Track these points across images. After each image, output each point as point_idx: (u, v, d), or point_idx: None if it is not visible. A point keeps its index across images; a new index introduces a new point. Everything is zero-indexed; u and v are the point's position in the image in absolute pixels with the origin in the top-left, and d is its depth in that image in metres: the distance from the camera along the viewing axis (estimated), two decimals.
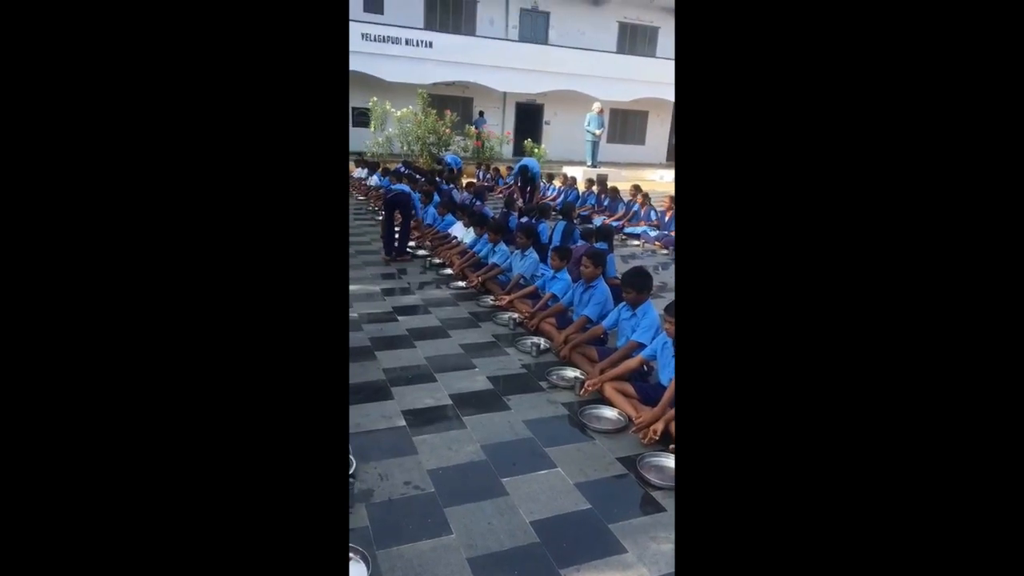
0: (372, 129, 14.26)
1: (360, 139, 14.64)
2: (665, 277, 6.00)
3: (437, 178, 9.56)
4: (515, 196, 9.07)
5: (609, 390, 3.07)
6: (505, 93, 17.50)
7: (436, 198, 7.27)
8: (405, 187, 6.10)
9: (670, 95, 18.44)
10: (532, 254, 4.77)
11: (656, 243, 7.48)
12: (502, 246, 5.10)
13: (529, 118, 18.37)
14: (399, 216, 6.01)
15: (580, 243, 5.46)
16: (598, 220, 8.63)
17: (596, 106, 13.73)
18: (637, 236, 7.81)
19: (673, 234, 7.41)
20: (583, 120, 13.99)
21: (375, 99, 14.02)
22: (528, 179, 9.66)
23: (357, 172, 11.61)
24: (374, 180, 10.31)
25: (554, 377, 3.39)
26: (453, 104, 16.23)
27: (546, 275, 4.41)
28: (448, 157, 12.56)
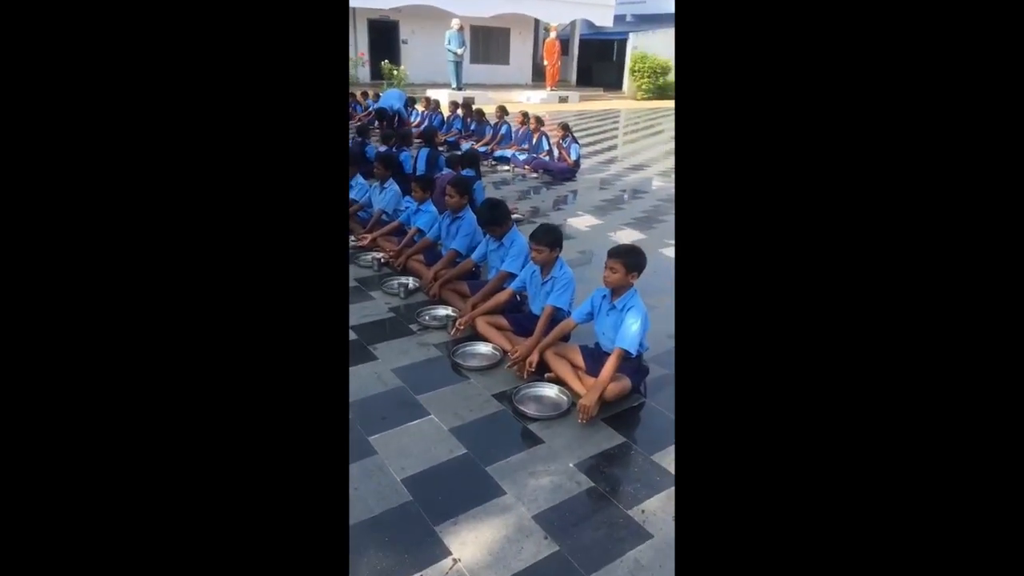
0: None
1: None
2: (537, 201, 5.92)
3: None
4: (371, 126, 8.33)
5: (482, 325, 2.94)
6: (354, 9, 15.85)
7: None
8: None
9: (531, 10, 17.89)
10: (392, 186, 4.40)
11: (526, 166, 7.35)
12: (359, 179, 4.66)
13: (384, 37, 16.93)
14: None
15: (446, 171, 5.17)
16: (465, 146, 8.32)
17: (455, 23, 12.98)
18: (507, 160, 7.62)
19: (544, 156, 7.31)
20: (443, 39, 13.22)
21: None
22: (388, 118, 9.04)
23: None
24: None
25: (425, 318, 3.19)
26: None
27: (410, 208, 4.10)
28: None
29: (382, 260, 3.94)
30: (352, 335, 2.99)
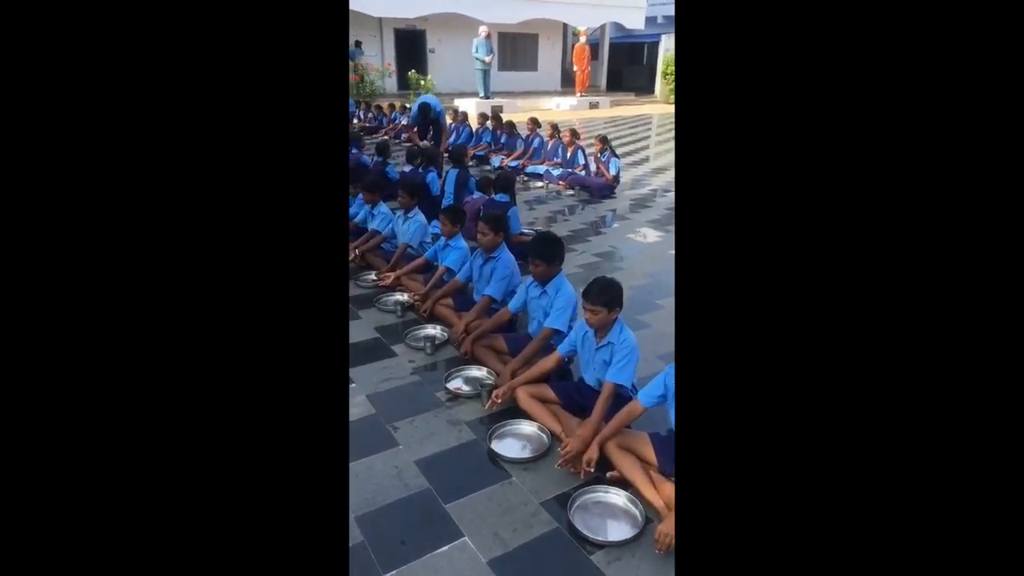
0: None
1: None
2: (577, 224, 5.39)
3: None
4: (415, 142, 7.46)
5: (524, 398, 2.42)
6: (381, 19, 15.62)
7: None
8: None
9: (559, 15, 17.40)
10: (418, 216, 3.91)
11: (561, 183, 6.82)
12: (381, 207, 4.19)
13: (411, 46, 16.65)
14: None
15: (476, 195, 4.67)
16: (496, 160, 7.83)
17: (483, 30, 12.62)
18: (540, 176, 7.10)
19: (580, 171, 6.78)
20: (470, 47, 12.84)
21: None
22: (431, 120, 7.52)
23: None
24: None
25: (455, 382, 2.69)
26: None
27: (438, 242, 3.61)
28: None
29: (406, 304, 3.46)
30: (369, 407, 2.51)
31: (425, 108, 7.33)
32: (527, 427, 2.35)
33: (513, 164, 7.53)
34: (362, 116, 11.62)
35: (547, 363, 2.45)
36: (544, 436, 2.29)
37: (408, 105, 11.44)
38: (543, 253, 2.59)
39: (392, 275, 3.69)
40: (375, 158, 6.03)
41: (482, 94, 13.42)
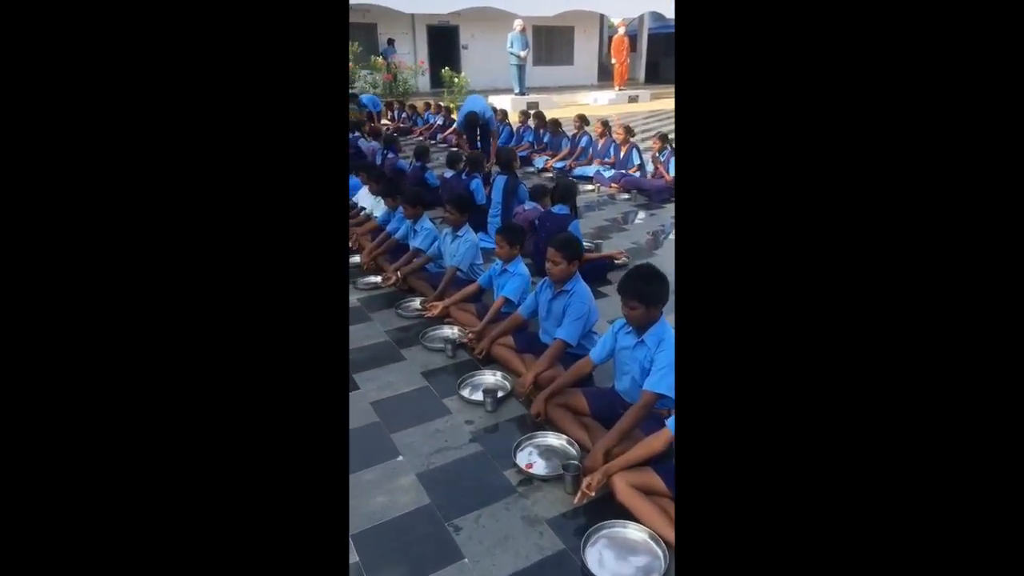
0: None
1: None
2: (638, 234, 4.77)
3: None
4: (464, 150, 6.43)
5: (623, 488, 1.83)
6: (413, 15, 15.17)
7: None
8: None
9: (596, 5, 16.67)
10: (468, 235, 3.35)
11: (613, 185, 6.20)
12: (425, 222, 3.66)
13: (444, 43, 16.17)
14: None
15: (528, 206, 4.09)
16: (539, 161, 7.25)
17: (517, 24, 12.08)
18: (589, 178, 6.48)
19: (634, 171, 6.15)
20: (505, 42, 12.30)
21: None
22: (479, 125, 6.66)
23: None
24: None
25: (527, 455, 2.12)
26: (354, 33, 13.85)
27: (493, 265, 3.06)
28: (364, 97, 10.50)
29: (457, 341, 2.92)
30: (420, 491, 1.97)
31: (472, 117, 6.51)
32: (633, 531, 1.77)
33: (559, 165, 6.94)
34: (395, 116, 11.16)
35: (656, 443, 1.86)
36: (656, 545, 1.71)
37: (443, 104, 10.96)
38: (643, 293, 2.00)
39: (439, 305, 3.16)
40: (413, 163, 5.53)
41: (517, 90, 12.90)
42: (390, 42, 14.56)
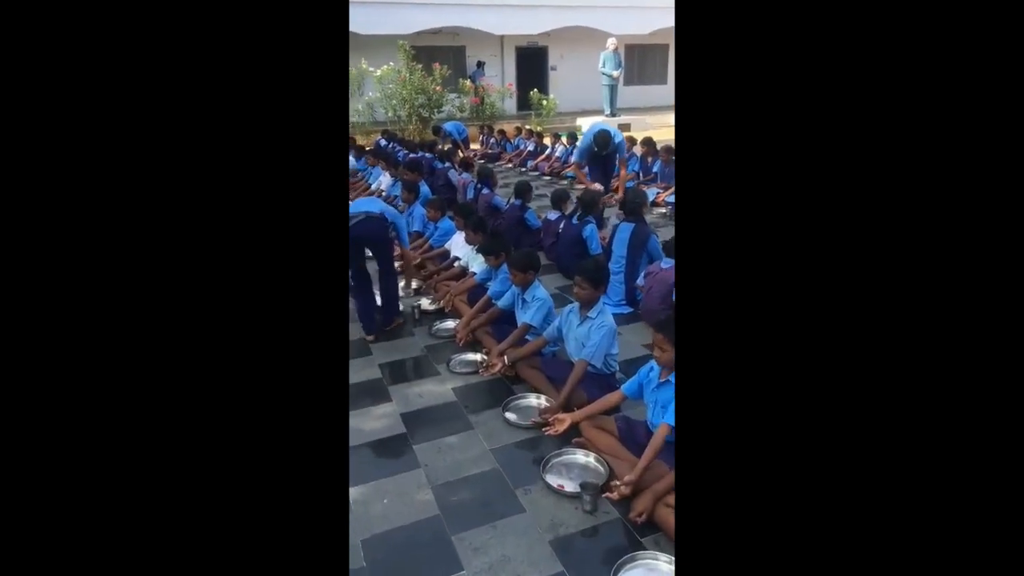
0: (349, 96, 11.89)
1: None
2: None
3: (426, 155, 7.32)
4: (590, 186, 5.39)
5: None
6: (503, 37, 14.90)
7: (424, 190, 5.11)
8: (374, 205, 3.21)
9: None
10: (603, 316, 2.52)
11: None
12: (538, 290, 2.88)
13: (532, 64, 15.78)
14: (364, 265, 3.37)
15: (666, 264, 3.29)
16: (649, 194, 6.45)
17: (611, 43, 11.40)
18: None
19: None
20: (595, 61, 11.69)
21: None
22: (606, 156, 5.65)
23: None
24: (349, 163, 8.11)
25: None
26: (442, 56, 13.73)
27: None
28: (448, 125, 10.12)
29: (541, 409, 2.42)
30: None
31: (604, 136, 5.41)
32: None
33: (671, 200, 6.13)
34: (483, 141, 10.74)
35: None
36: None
37: (534, 128, 10.43)
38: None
39: (498, 363, 2.74)
40: (511, 200, 4.92)
41: (608, 111, 12.21)
42: (480, 65, 14.33)
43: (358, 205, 3.24)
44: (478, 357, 2.99)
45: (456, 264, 4.00)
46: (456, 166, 6.56)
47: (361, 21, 12.74)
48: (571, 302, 3.62)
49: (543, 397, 2.55)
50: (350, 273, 3.17)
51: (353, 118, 11.97)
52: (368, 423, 2.44)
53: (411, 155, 7.53)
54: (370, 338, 3.23)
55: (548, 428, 2.29)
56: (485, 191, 5.31)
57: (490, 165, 8.75)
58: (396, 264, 3.63)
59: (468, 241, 3.68)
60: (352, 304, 3.25)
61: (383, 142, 8.54)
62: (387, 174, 6.38)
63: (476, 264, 3.58)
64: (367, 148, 8.12)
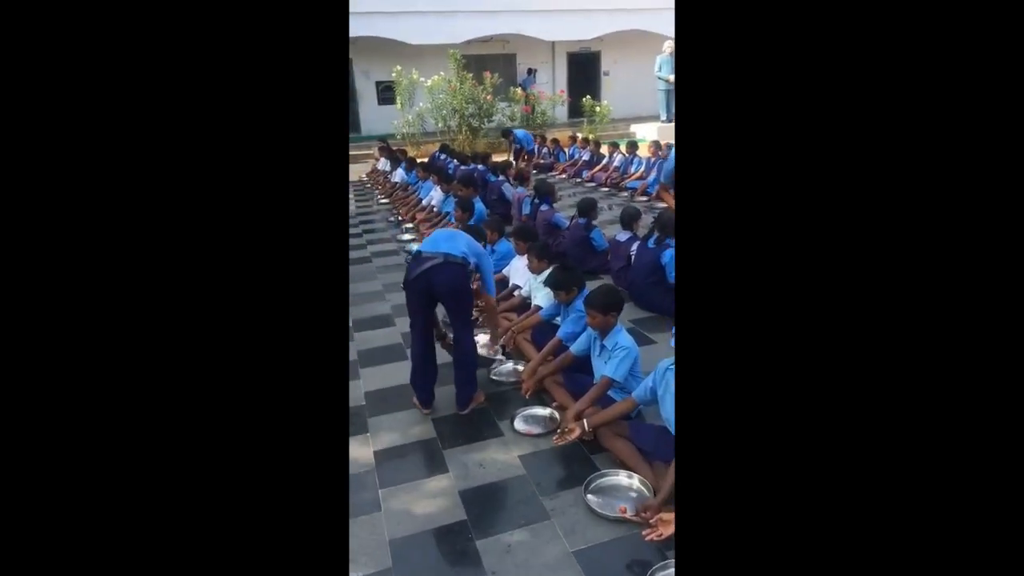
0: (399, 106, 11.75)
1: (387, 119, 12.23)
2: None
3: (478, 167, 6.96)
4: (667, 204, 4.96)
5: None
6: (554, 43, 14.52)
7: (479, 208, 4.72)
8: (456, 244, 2.52)
9: None
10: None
11: None
12: (579, 304, 2.48)
13: (584, 70, 15.34)
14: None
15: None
16: None
17: (667, 46, 10.82)
18: None
19: None
20: (650, 65, 11.12)
21: (399, 68, 11.47)
22: None
23: (381, 163, 9.18)
24: (399, 175, 7.85)
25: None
26: (492, 63, 13.47)
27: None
28: (520, 132, 9.77)
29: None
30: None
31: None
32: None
33: None
34: (535, 150, 10.33)
35: None
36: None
37: (588, 136, 9.96)
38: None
39: (576, 429, 2.18)
40: (575, 218, 4.46)
41: (664, 117, 11.61)
42: (531, 72, 13.98)
43: (435, 243, 2.53)
44: (547, 412, 2.54)
45: (516, 294, 3.58)
46: (511, 179, 6.16)
47: (412, 31, 12.63)
48: (650, 340, 3.17)
49: (636, 477, 2.05)
50: (412, 332, 2.54)
51: (403, 129, 11.83)
52: (421, 504, 2.01)
53: (462, 167, 7.22)
54: (426, 411, 2.58)
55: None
56: (544, 207, 4.88)
57: (542, 176, 8.32)
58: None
59: (532, 269, 3.24)
60: (412, 373, 2.60)
61: (439, 156, 8.23)
62: (438, 188, 6.03)
63: (541, 296, 3.13)
64: (418, 160, 7.83)
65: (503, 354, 3.06)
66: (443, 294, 2.48)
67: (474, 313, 2.87)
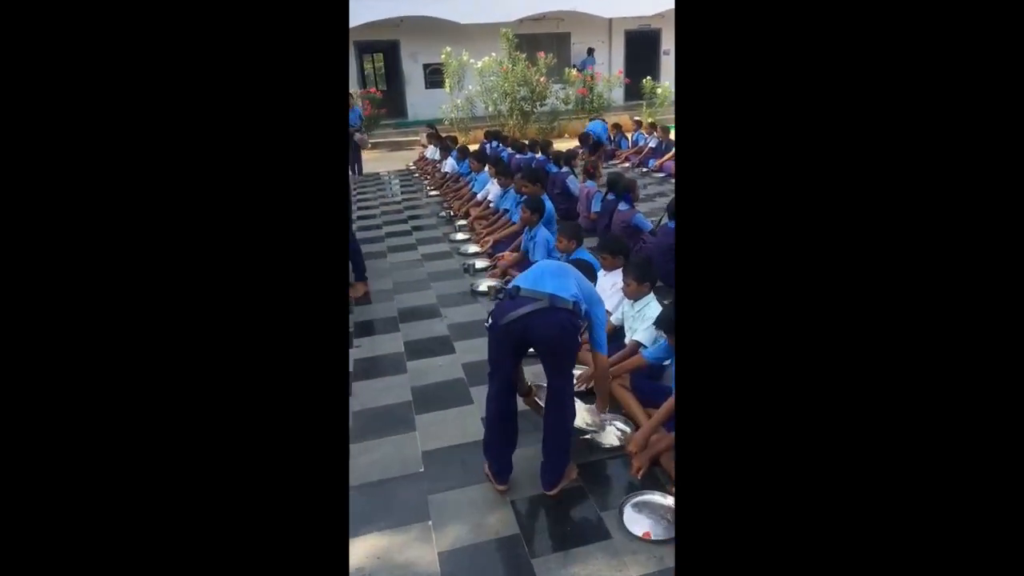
0: (448, 90, 11.13)
1: (435, 103, 11.64)
2: None
3: (537, 156, 6.27)
4: None
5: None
6: (611, 20, 13.58)
7: (549, 208, 4.05)
8: (564, 285, 1.90)
9: None
10: None
11: None
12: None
13: (643, 49, 14.31)
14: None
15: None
16: None
17: None
18: None
19: None
20: None
21: (448, 50, 10.82)
22: None
23: (429, 151, 8.60)
24: (449, 165, 7.24)
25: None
26: (546, 43, 12.67)
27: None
28: (592, 126, 9.06)
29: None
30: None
31: None
32: None
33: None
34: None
35: None
36: None
37: (652, 120, 9.10)
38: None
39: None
40: (663, 220, 3.75)
41: None
42: (590, 52, 13.11)
43: (539, 279, 1.93)
44: (669, 501, 1.91)
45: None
46: (576, 171, 5.46)
47: (461, 9, 11.93)
48: None
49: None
50: (491, 384, 1.98)
51: (452, 114, 11.23)
52: None
53: (517, 155, 6.55)
54: (502, 488, 1.99)
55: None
56: (623, 207, 4.17)
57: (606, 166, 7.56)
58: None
59: (629, 295, 2.57)
60: (487, 436, 2.05)
61: (491, 145, 7.57)
62: (495, 182, 5.38)
63: (641, 332, 2.45)
64: (471, 150, 7.19)
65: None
66: (544, 346, 1.88)
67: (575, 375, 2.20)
